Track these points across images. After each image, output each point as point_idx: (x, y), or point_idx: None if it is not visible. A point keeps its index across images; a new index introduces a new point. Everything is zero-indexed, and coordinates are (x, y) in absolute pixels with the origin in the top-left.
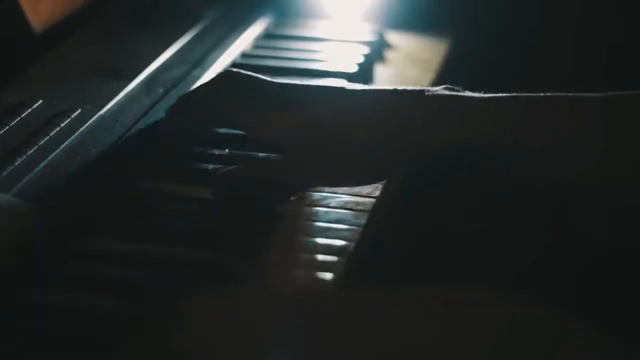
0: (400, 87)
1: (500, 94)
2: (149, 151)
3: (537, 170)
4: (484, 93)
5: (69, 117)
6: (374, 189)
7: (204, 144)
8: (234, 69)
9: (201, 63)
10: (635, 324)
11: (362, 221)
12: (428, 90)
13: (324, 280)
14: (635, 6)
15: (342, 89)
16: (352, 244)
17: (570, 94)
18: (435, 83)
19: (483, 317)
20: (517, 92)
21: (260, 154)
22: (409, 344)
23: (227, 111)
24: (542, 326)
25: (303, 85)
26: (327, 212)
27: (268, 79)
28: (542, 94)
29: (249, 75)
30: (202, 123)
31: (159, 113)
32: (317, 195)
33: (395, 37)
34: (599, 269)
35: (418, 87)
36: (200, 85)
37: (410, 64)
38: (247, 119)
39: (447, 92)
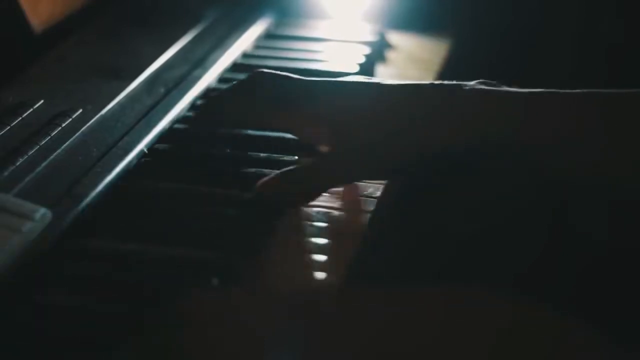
0: (437, 82)
1: (537, 89)
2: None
3: (538, 169)
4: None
5: (70, 117)
6: (374, 189)
7: (205, 144)
8: (265, 70)
9: (202, 63)
10: (635, 324)
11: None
12: (465, 85)
13: (324, 280)
14: (635, 6)
15: (377, 84)
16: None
17: (570, 91)
18: None
19: (483, 317)
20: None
21: (262, 155)
22: (409, 344)
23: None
24: (542, 326)
25: (321, 82)
26: (327, 212)
27: (296, 77)
28: (543, 91)
29: (276, 74)
30: (228, 123)
31: (160, 113)
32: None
33: (396, 37)
34: (599, 269)
35: (455, 82)
36: (231, 86)
37: (411, 64)
38: (252, 117)
39: (483, 87)
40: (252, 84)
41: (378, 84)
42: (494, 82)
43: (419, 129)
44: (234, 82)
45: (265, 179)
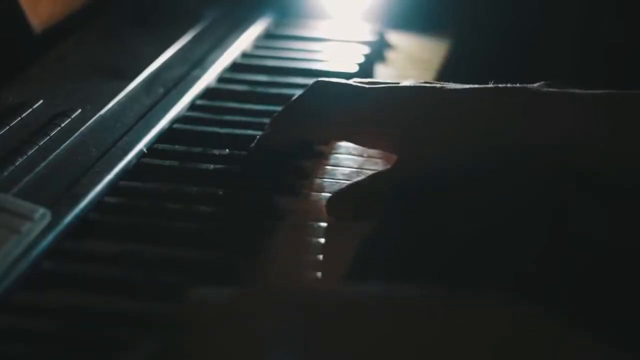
0: (501, 85)
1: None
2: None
3: (538, 168)
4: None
5: (69, 117)
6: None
7: (205, 144)
8: (323, 79)
9: (201, 63)
10: (636, 324)
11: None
12: (531, 88)
13: (324, 280)
14: (635, 6)
15: (435, 88)
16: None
17: (575, 91)
18: None
19: (484, 317)
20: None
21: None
22: (409, 345)
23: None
24: (542, 327)
25: (381, 89)
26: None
27: (355, 84)
28: (546, 90)
29: (333, 82)
30: (296, 138)
31: (159, 113)
32: (318, 194)
33: (395, 37)
34: (599, 269)
35: (518, 85)
36: (295, 100)
37: (411, 64)
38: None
39: (548, 89)
40: (312, 95)
41: (435, 88)
42: (558, 82)
43: (419, 129)
44: (294, 98)
45: (334, 194)
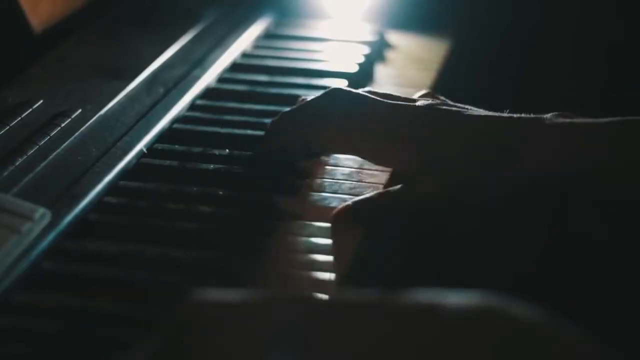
0: (516, 115)
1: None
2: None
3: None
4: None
5: (69, 117)
6: (375, 190)
7: (205, 144)
8: (339, 87)
9: (201, 63)
10: (636, 324)
11: None
12: (546, 119)
13: (324, 280)
14: (635, 6)
15: (452, 112)
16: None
17: (573, 120)
18: (436, 83)
19: (484, 317)
20: (516, 93)
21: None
22: (409, 345)
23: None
24: (542, 327)
25: (404, 106)
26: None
27: (373, 96)
28: (542, 116)
29: (351, 92)
30: (302, 141)
31: (159, 113)
32: (318, 195)
33: (395, 37)
34: (599, 269)
35: (532, 115)
36: (307, 102)
37: (411, 64)
38: (322, 137)
39: (558, 119)
40: (325, 101)
41: (450, 112)
42: (569, 113)
43: (420, 139)
44: (307, 100)
45: (339, 212)
